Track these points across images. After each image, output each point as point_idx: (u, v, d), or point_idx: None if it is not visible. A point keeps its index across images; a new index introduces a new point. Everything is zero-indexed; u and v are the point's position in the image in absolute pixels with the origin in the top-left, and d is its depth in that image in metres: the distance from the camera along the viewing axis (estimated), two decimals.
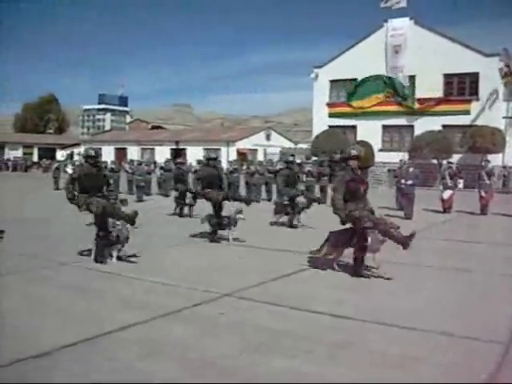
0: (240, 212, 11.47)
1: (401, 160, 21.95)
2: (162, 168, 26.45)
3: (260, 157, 53.24)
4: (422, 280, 7.96)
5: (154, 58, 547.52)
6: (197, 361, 4.70)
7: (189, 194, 16.09)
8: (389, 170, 35.22)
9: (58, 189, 28.02)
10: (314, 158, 36.78)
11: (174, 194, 16.64)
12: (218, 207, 11.52)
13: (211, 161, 12.08)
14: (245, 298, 6.82)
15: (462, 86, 39.38)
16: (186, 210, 16.61)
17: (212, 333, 5.46)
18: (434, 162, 36.39)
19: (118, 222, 9.06)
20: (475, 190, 19.17)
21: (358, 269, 8.19)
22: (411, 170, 18.06)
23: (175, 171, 18.10)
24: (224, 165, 35.74)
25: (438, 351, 5.01)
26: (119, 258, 8.94)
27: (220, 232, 11.53)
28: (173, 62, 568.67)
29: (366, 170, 33.56)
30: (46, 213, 16.49)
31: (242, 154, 55.45)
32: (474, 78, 38.47)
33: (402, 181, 17.42)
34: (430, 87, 39.09)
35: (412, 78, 40.45)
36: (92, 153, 9.41)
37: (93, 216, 8.96)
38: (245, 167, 28.46)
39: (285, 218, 14.37)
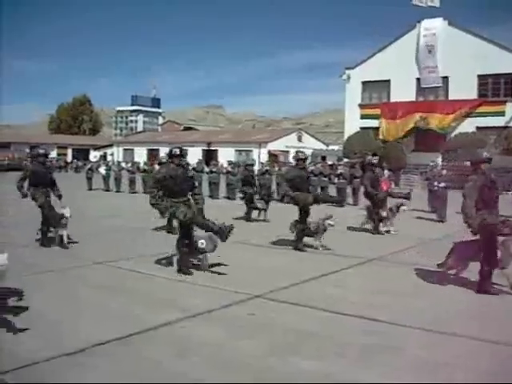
0: (329, 218, 10.68)
1: (432, 162, 21.73)
2: (193, 169, 26.57)
3: (291, 158, 53.14)
4: (462, 285, 7.83)
5: (185, 60, 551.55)
6: (227, 361, 4.75)
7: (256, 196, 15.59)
8: (421, 173, 34.87)
9: (91, 189, 28.44)
10: (346, 160, 36.63)
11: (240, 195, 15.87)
12: (304, 212, 10.47)
13: (300, 161, 10.84)
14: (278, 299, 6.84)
15: (496, 87, 38.72)
16: (253, 214, 15.79)
17: (243, 333, 5.50)
18: (468, 164, 35.79)
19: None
20: (509, 193, 18.88)
21: (485, 285, 7.36)
22: (444, 172, 17.89)
23: (243, 173, 17.15)
24: (255, 166, 35.72)
25: (475, 357, 4.95)
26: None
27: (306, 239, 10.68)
28: (205, 64, 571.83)
29: (398, 172, 33.33)
30: (82, 213, 16.67)
31: (273, 156, 55.41)
32: (508, 78, 37.81)
33: (435, 183, 17.21)
34: (463, 88, 38.56)
35: (445, 79, 39.99)
36: (177, 152, 8.53)
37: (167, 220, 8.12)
38: (277, 168, 28.53)
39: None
